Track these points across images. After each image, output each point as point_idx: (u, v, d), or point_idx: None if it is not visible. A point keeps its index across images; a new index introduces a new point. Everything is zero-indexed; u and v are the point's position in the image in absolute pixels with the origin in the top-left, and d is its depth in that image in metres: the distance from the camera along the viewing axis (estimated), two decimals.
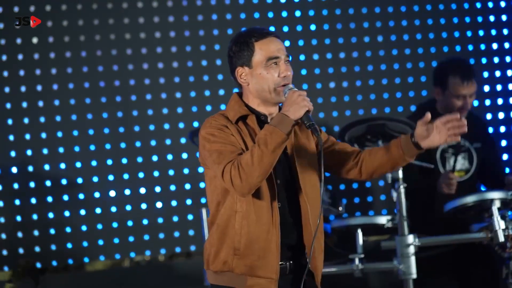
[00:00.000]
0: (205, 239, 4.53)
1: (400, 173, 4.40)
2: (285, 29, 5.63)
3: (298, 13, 5.66)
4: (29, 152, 5.36)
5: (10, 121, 5.37)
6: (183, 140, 5.47)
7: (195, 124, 5.45)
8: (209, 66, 5.55)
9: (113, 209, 5.41)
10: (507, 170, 5.50)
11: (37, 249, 5.34)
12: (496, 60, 5.83)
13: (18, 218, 5.33)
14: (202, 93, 5.54)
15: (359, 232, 4.54)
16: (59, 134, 5.39)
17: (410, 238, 4.35)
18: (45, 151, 5.37)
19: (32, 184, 5.35)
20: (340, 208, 4.67)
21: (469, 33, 5.83)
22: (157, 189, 5.45)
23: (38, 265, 5.29)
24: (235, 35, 3.23)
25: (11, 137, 5.35)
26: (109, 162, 5.43)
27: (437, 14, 5.79)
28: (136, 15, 5.49)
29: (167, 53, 5.51)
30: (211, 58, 5.55)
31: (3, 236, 5.31)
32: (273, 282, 3.09)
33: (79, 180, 5.39)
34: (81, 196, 5.38)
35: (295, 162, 3.16)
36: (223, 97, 5.53)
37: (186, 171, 5.49)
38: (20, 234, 5.32)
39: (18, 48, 5.37)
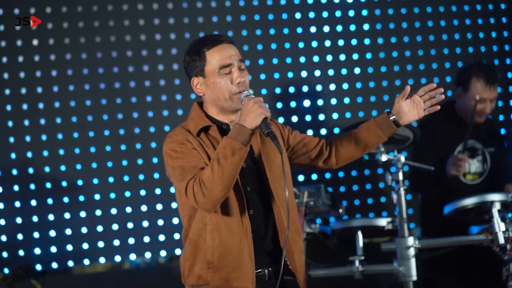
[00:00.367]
0: None
1: (401, 175, 4.40)
2: (286, 31, 5.63)
3: (298, 15, 5.66)
4: (29, 154, 5.36)
5: (10, 123, 5.37)
6: None
7: None
8: None
9: (113, 211, 5.41)
10: None
11: (38, 251, 5.33)
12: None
13: (18, 220, 5.32)
14: None
15: (359, 234, 4.54)
16: (59, 136, 5.39)
17: (410, 240, 4.35)
18: (45, 153, 5.37)
19: (32, 186, 5.35)
20: (340, 210, 4.68)
21: (469, 35, 5.83)
22: (157, 191, 5.45)
23: (38, 267, 5.29)
24: (189, 44, 3.21)
25: (11, 139, 5.35)
26: (109, 164, 5.42)
27: (437, 15, 5.79)
28: (136, 17, 5.49)
29: (167, 55, 5.52)
30: None
31: (4, 238, 5.30)
32: None
33: (79, 182, 5.39)
34: (81, 198, 5.38)
35: (264, 167, 3.13)
36: None
37: None
38: (20, 236, 5.32)
39: (19, 50, 5.38)
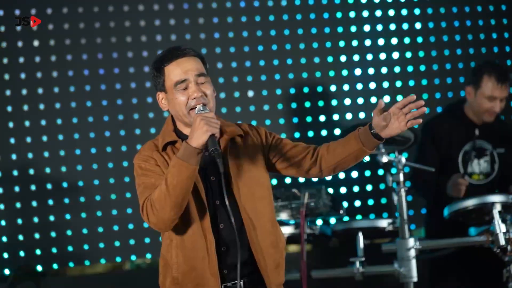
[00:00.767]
0: None
1: (401, 176, 4.40)
2: (286, 32, 5.63)
3: (299, 16, 5.66)
4: (30, 155, 5.36)
5: (11, 124, 5.37)
6: None
7: None
8: (210, 69, 5.51)
9: (114, 212, 5.41)
10: None
11: (38, 252, 5.33)
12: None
13: (19, 221, 5.33)
14: None
15: (360, 235, 4.54)
16: (60, 137, 5.39)
17: (411, 241, 4.35)
18: (46, 154, 5.37)
19: (33, 187, 5.35)
20: (341, 211, 4.68)
21: (470, 37, 5.83)
22: None
23: (39, 268, 5.29)
24: (155, 58, 3.18)
25: (12, 140, 5.36)
26: (110, 165, 5.42)
27: (438, 16, 5.79)
28: (137, 18, 5.50)
29: None
30: (212, 61, 5.55)
31: (4, 239, 5.30)
32: None
33: (80, 183, 5.39)
34: (82, 199, 5.38)
35: (232, 179, 3.08)
36: (223, 99, 5.53)
37: None
38: (21, 237, 5.32)
39: (19, 51, 5.38)
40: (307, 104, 5.63)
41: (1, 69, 5.35)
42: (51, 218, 5.35)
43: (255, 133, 3.22)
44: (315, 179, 5.49)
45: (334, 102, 5.66)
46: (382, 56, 5.72)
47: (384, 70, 5.71)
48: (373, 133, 3.00)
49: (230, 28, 5.59)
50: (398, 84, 5.72)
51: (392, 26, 5.74)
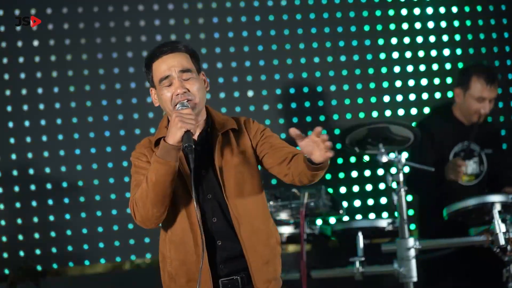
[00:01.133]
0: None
1: (401, 176, 4.40)
2: (286, 32, 5.63)
3: (298, 16, 5.66)
4: (29, 155, 5.36)
5: (11, 124, 5.37)
6: None
7: None
8: (210, 69, 5.55)
9: (114, 212, 5.41)
10: None
11: (38, 251, 5.33)
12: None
13: (19, 221, 5.33)
14: None
15: (360, 235, 4.54)
16: (60, 137, 5.39)
17: (411, 241, 4.35)
18: (45, 154, 5.37)
19: (32, 187, 5.35)
20: (341, 211, 4.68)
21: (469, 36, 5.83)
22: None
23: (39, 268, 5.28)
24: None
25: (12, 140, 5.36)
26: (110, 165, 5.42)
27: (438, 17, 5.79)
28: (137, 18, 5.50)
29: None
30: (212, 61, 5.55)
31: (4, 239, 5.30)
32: None
33: (80, 183, 5.39)
34: (82, 199, 5.38)
35: (222, 173, 3.08)
36: (223, 99, 5.53)
37: None
38: (20, 237, 5.32)
39: (19, 51, 5.38)
40: (307, 104, 5.63)
41: (1, 69, 5.36)
42: (51, 218, 5.35)
43: (248, 127, 3.23)
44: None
45: (334, 102, 5.66)
46: (382, 56, 5.72)
47: (384, 70, 5.71)
48: (308, 158, 2.94)
49: (230, 28, 5.59)
50: (398, 84, 5.71)
51: (392, 26, 5.74)
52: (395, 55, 5.73)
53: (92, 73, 5.44)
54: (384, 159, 4.46)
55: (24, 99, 5.38)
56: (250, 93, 5.57)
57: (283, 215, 4.62)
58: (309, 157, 2.89)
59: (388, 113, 5.68)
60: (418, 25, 5.76)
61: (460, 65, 5.73)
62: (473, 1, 5.83)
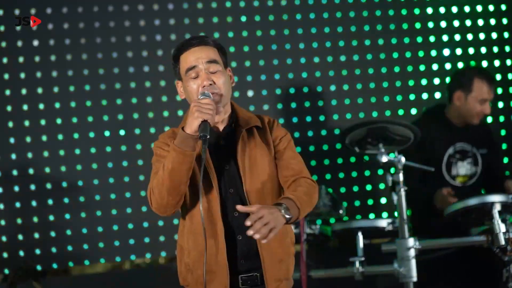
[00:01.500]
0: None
1: (401, 176, 4.40)
2: (286, 32, 5.63)
3: (298, 16, 5.66)
4: (29, 155, 5.36)
5: (10, 124, 5.37)
6: None
7: None
8: None
9: (114, 211, 5.41)
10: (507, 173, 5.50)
11: (38, 251, 5.33)
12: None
13: (19, 221, 5.32)
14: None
15: (360, 235, 4.54)
16: (60, 136, 5.39)
17: (411, 241, 4.35)
18: (45, 153, 5.37)
19: (32, 187, 5.35)
20: (341, 211, 4.68)
21: (469, 37, 5.83)
22: None
23: (39, 267, 5.28)
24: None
25: (12, 140, 5.36)
26: (110, 165, 5.42)
27: (438, 17, 5.79)
28: (137, 17, 5.50)
29: (168, 56, 5.51)
30: None
31: (4, 238, 5.30)
32: None
33: (80, 183, 5.39)
34: (82, 198, 5.38)
35: (244, 169, 3.10)
36: None
37: None
38: (20, 237, 5.32)
39: (19, 50, 5.38)
40: (307, 104, 5.62)
41: (1, 68, 5.35)
42: (51, 217, 5.35)
43: (272, 128, 3.26)
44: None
45: (334, 102, 5.66)
46: (382, 56, 5.72)
47: (384, 70, 5.71)
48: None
49: (230, 28, 5.59)
50: (398, 84, 5.71)
51: (392, 26, 5.73)
52: (395, 55, 5.73)
53: (92, 73, 5.44)
54: (384, 159, 4.46)
55: (24, 99, 5.38)
56: (250, 93, 5.57)
57: None
58: None
59: (388, 113, 5.68)
60: (418, 25, 5.76)
61: (460, 65, 5.73)
62: (473, 1, 5.83)
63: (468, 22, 5.82)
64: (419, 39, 5.76)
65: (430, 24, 5.77)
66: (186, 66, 3.12)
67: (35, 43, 5.40)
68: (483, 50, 5.82)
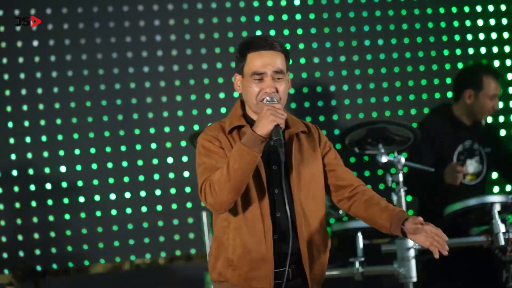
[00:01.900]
0: (205, 242, 4.55)
1: (401, 177, 4.40)
2: (286, 32, 5.63)
3: (298, 17, 5.66)
4: (29, 155, 5.36)
5: (10, 124, 5.36)
6: (183, 143, 5.46)
7: (196, 127, 5.46)
8: (210, 69, 5.55)
9: (114, 212, 5.41)
10: None
11: (38, 252, 5.33)
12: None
13: (18, 221, 5.32)
14: (203, 96, 5.54)
15: (360, 236, 4.53)
16: (60, 137, 5.39)
17: (411, 242, 4.34)
18: (45, 154, 5.37)
19: (32, 187, 5.35)
20: (340, 211, 4.67)
21: (469, 37, 5.83)
22: (157, 192, 5.45)
23: (39, 268, 5.28)
24: (242, 40, 3.26)
25: (12, 140, 5.35)
26: (110, 165, 5.42)
27: (437, 17, 5.79)
28: (136, 18, 5.49)
29: (167, 56, 5.51)
30: (212, 61, 5.55)
31: (4, 239, 5.30)
32: None
33: (80, 183, 5.39)
34: (81, 199, 5.38)
35: (292, 172, 3.15)
36: (223, 100, 5.53)
37: (186, 174, 5.49)
38: (20, 237, 5.32)
39: (19, 51, 5.37)
40: (307, 104, 5.62)
41: (1, 69, 5.35)
42: (51, 218, 5.34)
43: (317, 135, 3.30)
44: None
45: (333, 102, 5.66)
46: (382, 56, 5.72)
47: (383, 70, 5.71)
48: (402, 229, 3.08)
49: (230, 28, 5.58)
50: (398, 84, 5.72)
51: (392, 26, 5.73)
52: (395, 55, 5.73)
53: (91, 73, 5.44)
54: (384, 159, 4.45)
55: (24, 99, 5.38)
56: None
57: None
58: (406, 231, 3.07)
59: (388, 113, 5.68)
60: (417, 26, 5.76)
61: (460, 65, 5.74)
62: (473, 1, 5.83)
63: (468, 22, 5.82)
64: (419, 40, 5.76)
65: (430, 24, 5.77)
66: (254, 69, 3.15)
67: (35, 43, 5.40)
68: (483, 50, 5.82)
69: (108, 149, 5.43)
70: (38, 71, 5.39)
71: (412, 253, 4.34)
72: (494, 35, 5.84)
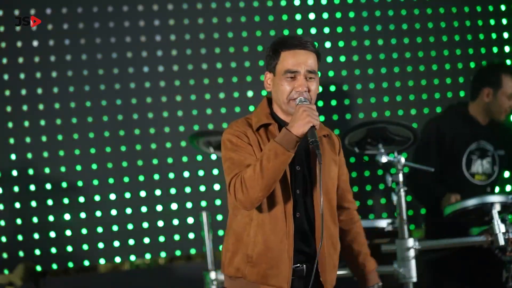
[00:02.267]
0: (206, 241, 4.55)
1: (401, 177, 4.40)
2: (286, 32, 5.63)
3: (298, 17, 5.66)
4: (29, 155, 5.36)
5: (10, 124, 5.36)
6: (183, 144, 5.47)
7: (195, 127, 5.46)
8: (210, 69, 5.55)
9: (113, 212, 5.41)
10: None
11: (38, 252, 5.33)
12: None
13: (18, 221, 5.32)
14: (203, 96, 5.54)
15: None
16: (59, 137, 5.39)
17: (410, 242, 4.34)
18: (45, 154, 5.37)
19: (32, 187, 5.35)
20: None
21: (469, 37, 5.84)
22: (157, 192, 5.45)
23: (39, 268, 5.28)
24: (275, 38, 3.29)
25: (12, 140, 5.35)
26: (109, 165, 5.42)
27: (437, 17, 5.79)
28: (136, 18, 5.49)
29: (167, 56, 5.51)
30: (212, 61, 5.55)
31: (3, 239, 5.30)
32: None
33: (79, 183, 5.39)
34: (81, 199, 5.38)
35: (316, 174, 3.18)
36: (223, 100, 5.53)
37: (186, 174, 5.49)
38: (20, 237, 5.32)
39: (19, 51, 5.37)
40: None
41: (1, 69, 5.35)
42: (51, 218, 5.35)
43: (338, 144, 3.36)
44: None
45: (333, 102, 5.66)
46: (382, 56, 5.72)
47: (383, 70, 5.71)
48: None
49: (230, 28, 5.58)
50: (398, 84, 5.72)
51: (392, 26, 5.74)
52: (395, 55, 5.73)
53: (91, 73, 5.44)
54: (384, 159, 4.46)
55: (23, 99, 5.38)
56: (250, 93, 5.57)
57: None
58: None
59: (388, 113, 5.68)
60: (417, 26, 5.76)
61: (460, 65, 5.74)
62: (473, 1, 5.83)
63: (467, 22, 5.83)
64: (419, 40, 5.76)
65: (430, 24, 5.77)
66: (288, 67, 3.16)
67: (35, 43, 5.40)
68: (483, 50, 5.83)
69: (108, 149, 5.43)
70: (38, 71, 5.39)
71: (412, 253, 4.34)
72: (494, 35, 5.84)
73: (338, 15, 5.70)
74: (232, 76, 5.57)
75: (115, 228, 5.41)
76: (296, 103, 3.10)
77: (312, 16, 5.68)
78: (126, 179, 5.43)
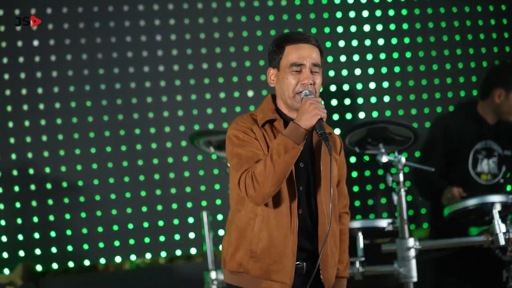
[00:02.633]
0: (206, 241, 4.55)
1: (401, 176, 4.40)
2: (286, 32, 5.62)
3: (299, 16, 5.66)
4: (29, 155, 5.36)
5: (10, 124, 5.37)
6: (183, 143, 5.47)
7: (196, 127, 5.46)
8: (210, 69, 5.55)
9: (114, 212, 5.41)
10: None
11: (38, 251, 5.33)
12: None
13: (19, 221, 5.33)
14: (203, 96, 5.54)
15: (360, 235, 4.53)
16: (60, 137, 5.39)
17: (411, 241, 4.34)
18: (45, 154, 5.37)
19: (32, 187, 5.35)
20: None
21: (469, 37, 5.84)
22: (158, 192, 5.45)
23: (39, 267, 5.29)
24: (277, 35, 3.27)
25: (12, 140, 5.36)
26: (110, 165, 5.42)
27: (437, 17, 5.79)
28: (137, 18, 5.50)
29: (167, 56, 5.52)
30: (212, 61, 5.55)
31: (4, 238, 5.30)
32: (287, 287, 3.13)
33: (80, 183, 5.39)
34: (82, 199, 5.38)
35: (319, 171, 3.18)
36: (224, 100, 5.53)
37: (186, 174, 5.49)
38: (20, 237, 5.32)
39: (19, 50, 5.38)
40: None
41: (1, 68, 5.35)
42: (51, 218, 5.35)
43: (339, 144, 3.35)
44: None
45: (334, 102, 5.66)
46: (382, 56, 5.72)
47: (384, 70, 5.71)
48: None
49: (230, 28, 5.59)
50: (398, 84, 5.72)
51: (392, 26, 5.74)
52: (395, 55, 5.73)
53: (92, 73, 5.44)
54: (384, 159, 4.45)
55: (24, 99, 5.38)
56: (250, 93, 5.57)
57: None
58: None
59: (388, 113, 5.68)
60: (418, 25, 5.76)
61: (460, 65, 5.74)
62: (473, 1, 5.83)
63: (468, 22, 5.83)
64: (419, 39, 5.76)
65: (430, 24, 5.78)
66: (293, 61, 3.15)
67: (35, 43, 5.40)
68: (483, 50, 5.83)
69: (108, 149, 5.43)
70: (38, 71, 5.40)
71: (412, 253, 4.34)
72: (494, 35, 5.84)
73: (339, 15, 5.70)
74: (233, 75, 5.58)
75: (115, 228, 5.41)
76: (301, 97, 3.10)
77: (312, 15, 5.68)
78: (126, 179, 5.43)
